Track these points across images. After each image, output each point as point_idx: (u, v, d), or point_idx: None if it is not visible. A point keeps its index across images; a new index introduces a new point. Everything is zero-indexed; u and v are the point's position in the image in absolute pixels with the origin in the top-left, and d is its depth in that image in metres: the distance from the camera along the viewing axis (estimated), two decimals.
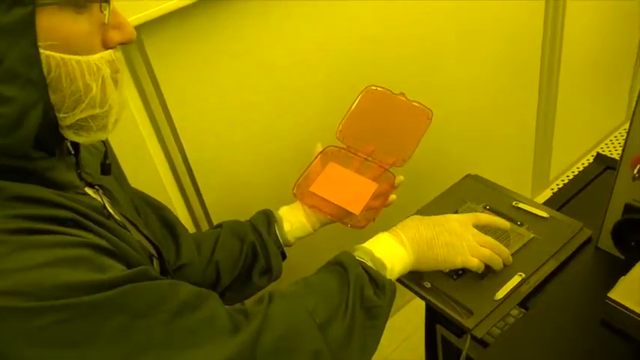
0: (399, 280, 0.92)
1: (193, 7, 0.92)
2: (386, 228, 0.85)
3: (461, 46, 1.43)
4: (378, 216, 0.95)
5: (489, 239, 0.86)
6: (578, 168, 2.20)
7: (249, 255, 0.93)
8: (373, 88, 1.02)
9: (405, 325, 1.75)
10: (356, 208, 0.93)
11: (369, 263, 0.76)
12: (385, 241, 0.81)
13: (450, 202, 1.06)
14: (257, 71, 1.08)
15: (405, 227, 0.83)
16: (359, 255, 0.77)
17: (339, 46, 1.18)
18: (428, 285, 0.89)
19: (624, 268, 0.69)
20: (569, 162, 2.17)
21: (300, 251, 1.03)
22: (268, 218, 0.95)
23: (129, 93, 0.95)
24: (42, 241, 0.50)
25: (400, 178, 0.98)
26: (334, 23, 1.15)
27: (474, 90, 1.55)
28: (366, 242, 0.81)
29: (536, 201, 1.04)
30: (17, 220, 0.50)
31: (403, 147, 0.98)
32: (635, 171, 0.73)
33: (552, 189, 2.09)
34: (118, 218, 0.67)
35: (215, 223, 1.16)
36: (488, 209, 1.03)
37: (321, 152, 1.00)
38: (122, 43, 0.59)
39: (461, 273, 0.90)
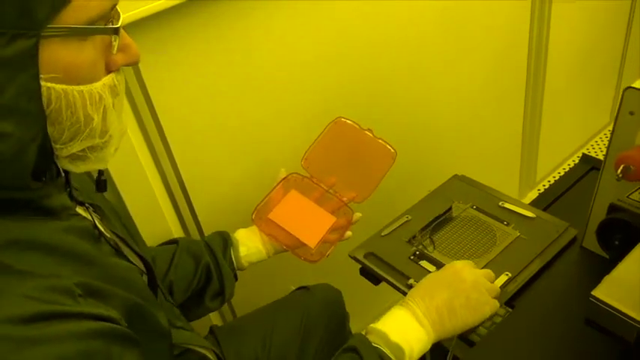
0: (383, 278, 0.92)
1: (171, 10, 0.91)
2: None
3: (448, 46, 1.44)
4: (332, 252, 0.96)
5: (487, 271, 0.84)
6: (564, 169, 2.22)
7: (202, 277, 0.92)
8: (342, 120, 1.02)
9: None
10: (312, 241, 0.93)
11: (386, 350, 0.71)
12: (400, 319, 0.75)
13: (437, 202, 1.07)
14: (245, 79, 1.06)
15: (415, 298, 0.77)
16: (374, 340, 0.72)
17: (328, 49, 1.18)
18: (415, 284, 0.89)
19: (608, 267, 0.70)
20: (555, 163, 2.19)
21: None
22: (225, 241, 0.95)
23: None
24: (54, 334, 0.45)
25: (358, 215, 0.98)
26: (326, 27, 1.14)
27: (461, 91, 1.56)
28: (380, 321, 0.75)
29: (522, 201, 1.05)
30: (32, 302, 0.46)
31: (364, 184, 0.99)
32: (619, 171, 0.73)
33: (539, 190, 2.11)
34: (109, 235, 0.65)
35: (206, 231, 1.15)
36: (475, 209, 1.03)
37: (283, 179, 1.00)
38: (126, 65, 0.56)
39: None
